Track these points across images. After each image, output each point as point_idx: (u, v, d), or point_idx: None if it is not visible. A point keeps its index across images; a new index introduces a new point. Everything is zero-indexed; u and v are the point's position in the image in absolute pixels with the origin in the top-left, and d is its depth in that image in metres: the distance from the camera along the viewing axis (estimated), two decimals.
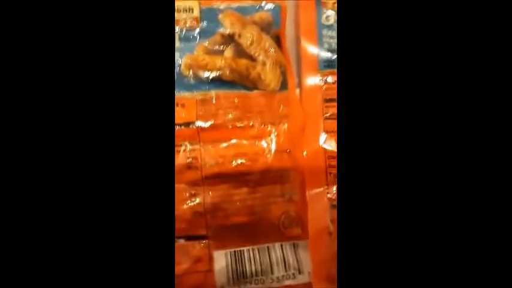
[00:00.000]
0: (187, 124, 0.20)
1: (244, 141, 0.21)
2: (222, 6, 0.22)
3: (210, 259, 0.19)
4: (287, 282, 0.20)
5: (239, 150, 0.21)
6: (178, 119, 0.20)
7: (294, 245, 0.21)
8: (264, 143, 0.21)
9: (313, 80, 0.22)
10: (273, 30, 0.23)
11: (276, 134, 0.21)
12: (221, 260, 0.20)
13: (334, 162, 0.21)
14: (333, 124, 0.22)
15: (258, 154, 0.21)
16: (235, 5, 0.22)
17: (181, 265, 0.19)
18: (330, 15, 0.23)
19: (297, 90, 0.23)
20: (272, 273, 0.20)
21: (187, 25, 0.22)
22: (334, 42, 0.23)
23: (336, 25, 0.23)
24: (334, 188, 0.21)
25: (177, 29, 0.22)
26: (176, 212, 0.19)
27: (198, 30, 0.22)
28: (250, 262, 0.20)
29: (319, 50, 0.23)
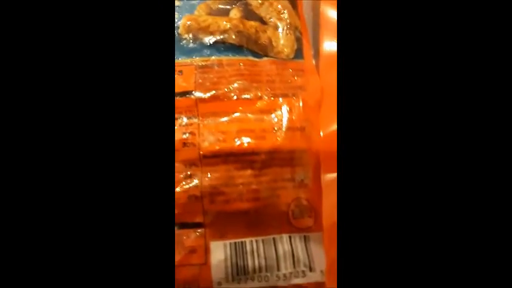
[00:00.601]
0: (184, 94, 0.18)
1: (250, 116, 0.18)
2: None
3: (207, 250, 0.17)
4: (296, 281, 0.17)
5: (244, 126, 0.18)
6: (175, 88, 0.18)
7: (304, 238, 0.18)
8: (273, 118, 0.18)
9: (333, 49, 0.19)
10: None
11: (288, 108, 0.18)
12: (219, 252, 0.17)
13: None
14: None
15: (266, 131, 0.18)
16: None
17: (175, 255, 0.17)
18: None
19: (313, 60, 0.20)
20: (278, 269, 0.17)
21: None
22: None
23: None
24: None
25: None
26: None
27: None
28: (253, 256, 0.17)
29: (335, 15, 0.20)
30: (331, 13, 0.20)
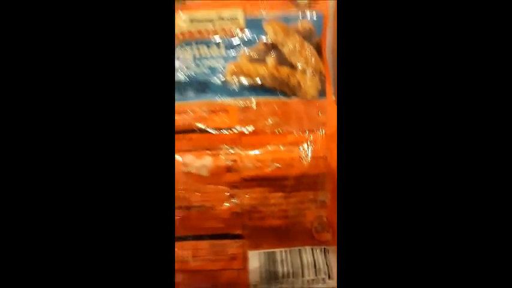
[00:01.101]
0: (229, 129, 0.22)
1: (282, 147, 0.22)
2: (265, 15, 0.23)
3: (245, 258, 0.21)
4: (317, 286, 0.21)
5: (276, 156, 0.21)
6: (221, 123, 0.22)
7: (324, 250, 0.21)
8: (301, 149, 0.22)
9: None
10: (314, 38, 0.23)
11: (313, 140, 0.22)
12: (255, 259, 0.21)
13: None
14: None
15: (294, 160, 0.21)
16: (279, 14, 0.23)
17: (218, 262, 0.21)
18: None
19: (334, 98, 0.23)
20: (303, 276, 0.21)
21: (231, 33, 0.23)
22: None
23: None
24: None
25: (221, 37, 0.23)
26: (215, 212, 0.21)
27: (242, 38, 0.23)
28: (283, 263, 0.21)
29: None
30: None
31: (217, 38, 0.23)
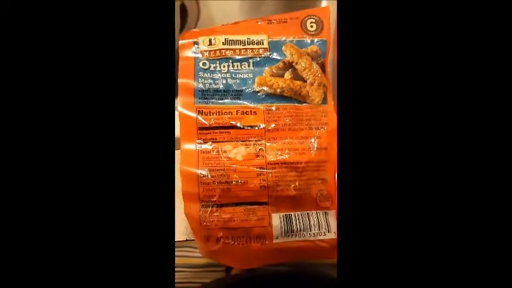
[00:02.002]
0: (257, 126, 0.29)
1: (296, 140, 0.29)
2: (284, 40, 0.31)
3: (270, 218, 0.29)
4: (320, 237, 0.29)
5: (292, 146, 0.29)
6: (251, 122, 0.29)
7: (325, 213, 0.30)
8: (309, 142, 0.30)
9: None
10: (320, 59, 0.31)
11: (318, 135, 0.30)
12: (276, 219, 0.29)
13: None
14: None
15: (304, 149, 0.29)
16: (294, 39, 0.31)
17: (250, 221, 0.29)
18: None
19: (334, 104, 0.31)
20: (310, 230, 0.29)
21: (259, 53, 0.30)
22: None
23: None
24: None
25: (251, 56, 0.30)
26: (248, 185, 0.28)
27: (266, 57, 0.30)
28: (296, 222, 0.29)
29: None
30: None
31: (247, 56, 0.30)
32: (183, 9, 0.53)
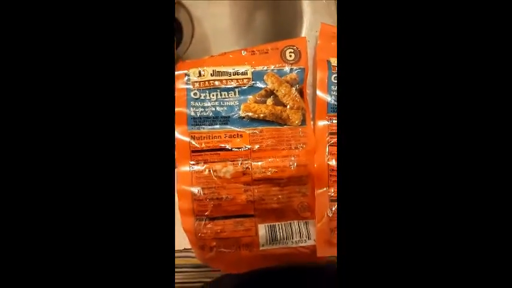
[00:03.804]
0: (243, 147, 0.33)
1: (278, 159, 0.33)
2: (266, 69, 0.34)
3: (256, 229, 0.33)
4: (301, 244, 0.33)
5: (274, 164, 0.33)
6: (237, 144, 0.33)
7: (306, 223, 0.34)
8: (290, 160, 0.33)
9: (322, 120, 0.34)
10: (298, 85, 0.34)
11: (297, 154, 0.34)
12: (262, 229, 0.33)
13: (334, 173, 0.34)
14: (334, 148, 0.34)
15: (286, 167, 0.33)
16: (275, 68, 0.34)
17: (239, 232, 0.33)
18: (337, 76, 0.35)
19: (312, 125, 0.35)
20: (292, 238, 0.33)
21: (243, 83, 0.34)
22: None
23: None
24: (333, 189, 0.33)
25: (237, 85, 0.34)
26: (236, 200, 0.32)
27: (251, 86, 0.34)
28: (279, 231, 0.33)
29: (329, 99, 0.34)
30: (322, 98, 0.35)
31: (233, 86, 0.34)
32: (178, 27, 0.57)
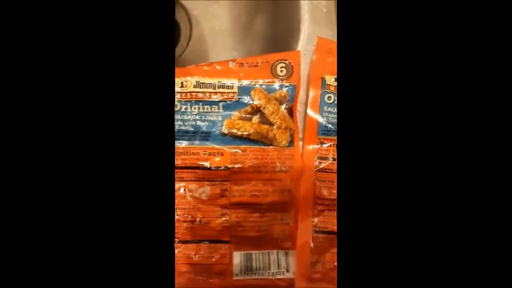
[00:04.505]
0: (223, 167, 0.31)
1: (260, 182, 0.31)
2: (253, 84, 0.32)
3: (231, 256, 0.30)
4: (278, 276, 0.31)
5: (256, 188, 0.31)
6: (217, 163, 0.30)
7: (285, 253, 0.31)
8: (273, 184, 0.31)
9: (312, 142, 0.32)
10: (288, 103, 0.32)
11: (282, 178, 0.31)
12: (237, 257, 0.30)
13: (321, 202, 0.31)
14: (323, 175, 0.31)
15: (268, 191, 0.31)
16: (264, 83, 0.32)
17: (212, 258, 0.30)
18: (331, 95, 0.32)
19: (300, 147, 0.32)
20: (269, 269, 0.30)
21: (228, 97, 0.31)
22: (331, 116, 0.32)
23: (334, 103, 0.32)
24: (317, 219, 0.31)
25: (221, 99, 0.31)
26: (211, 224, 0.30)
27: (236, 101, 0.31)
28: (256, 261, 0.30)
29: (320, 120, 0.32)
30: (313, 118, 0.32)
31: (217, 100, 0.31)
32: (176, 28, 0.55)
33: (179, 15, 0.55)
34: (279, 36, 0.45)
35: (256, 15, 0.52)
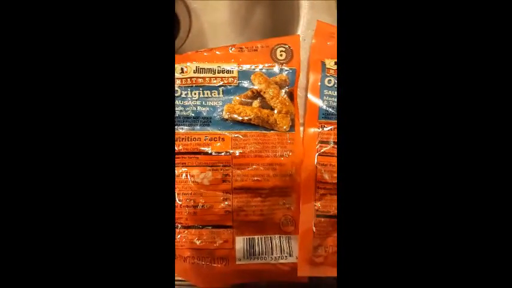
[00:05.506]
0: (224, 152, 0.31)
1: (261, 167, 0.31)
2: (253, 69, 0.31)
3: (233, 241, 0.30)
4: (281, 261, 0.30)
5: (257, 172, 0.30)
6: (218, 149, 0.30)
7: (288, 238, 0.31)
8: (274, 168, 0.31)
9: (313, 126, 0.32)
10: (288, 87, 0.32)
11: (283, 162, 0.31)
12: (240, 242, 0.30)
13: (323, 186, 0.31)
14: (324, 158, 0.31)
15: (269, 176, 0.30)
16: (264, 67, 0.32)
17: (215, 243, 0.30)
18: (331, 79, 0.32)
19: (301, 131, 0.32)
20: (272, 254, 0.30)
21: (228, 82, 0.31)
22: (332, 100, 0.31)
23: (334, 87, 0.31)
24: (319, 203, 0.31)
25: (221, 84, 0.31)
26: (213, 209, 0.30)
27: (236, 86, 0.31)
28: (259, 245, 0.30)
29: (320, 104, 0.32)
30: (314, 102, 0.32)
31: (217, 85, 0.31)
32: (176, 20, 0.55)
33: (179, 8, 0.55)
34: (278, 28, 0.45)
35: (256, 7, 0.52)
